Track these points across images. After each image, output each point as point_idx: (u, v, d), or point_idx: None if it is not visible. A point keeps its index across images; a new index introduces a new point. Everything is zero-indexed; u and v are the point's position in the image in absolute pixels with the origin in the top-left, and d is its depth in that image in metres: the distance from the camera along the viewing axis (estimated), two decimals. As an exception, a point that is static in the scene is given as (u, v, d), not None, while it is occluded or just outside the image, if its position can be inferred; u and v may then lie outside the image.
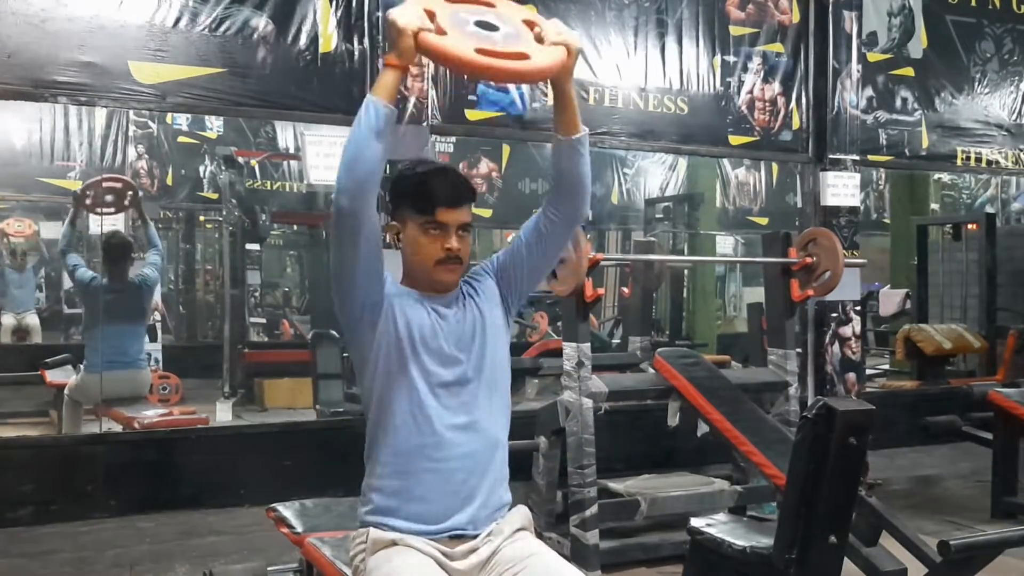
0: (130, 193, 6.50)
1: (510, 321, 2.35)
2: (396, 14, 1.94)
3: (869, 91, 6.47)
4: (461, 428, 2.16)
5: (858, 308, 6.42)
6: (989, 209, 12.21)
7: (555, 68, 2.03)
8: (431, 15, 1.94)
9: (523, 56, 1.98)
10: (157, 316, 8.40)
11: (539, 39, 2.05)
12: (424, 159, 2.67)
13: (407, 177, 2.24)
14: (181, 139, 10.29)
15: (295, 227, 13.05)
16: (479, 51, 1.94)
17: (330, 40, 4.95)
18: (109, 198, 6.39)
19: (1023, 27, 7.15)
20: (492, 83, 5.16)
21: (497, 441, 2.23)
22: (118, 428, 5.67)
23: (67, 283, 11.87)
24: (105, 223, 6.96)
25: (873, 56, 6.51)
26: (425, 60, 5.04)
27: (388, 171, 2.23)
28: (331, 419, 6.26)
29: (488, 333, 2.25)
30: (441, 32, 1.93)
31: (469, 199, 2.23)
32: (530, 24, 2.07)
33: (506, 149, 11.71)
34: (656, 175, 12.66)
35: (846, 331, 6.23)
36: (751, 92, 6.11)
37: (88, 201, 6.38)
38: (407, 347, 2.15)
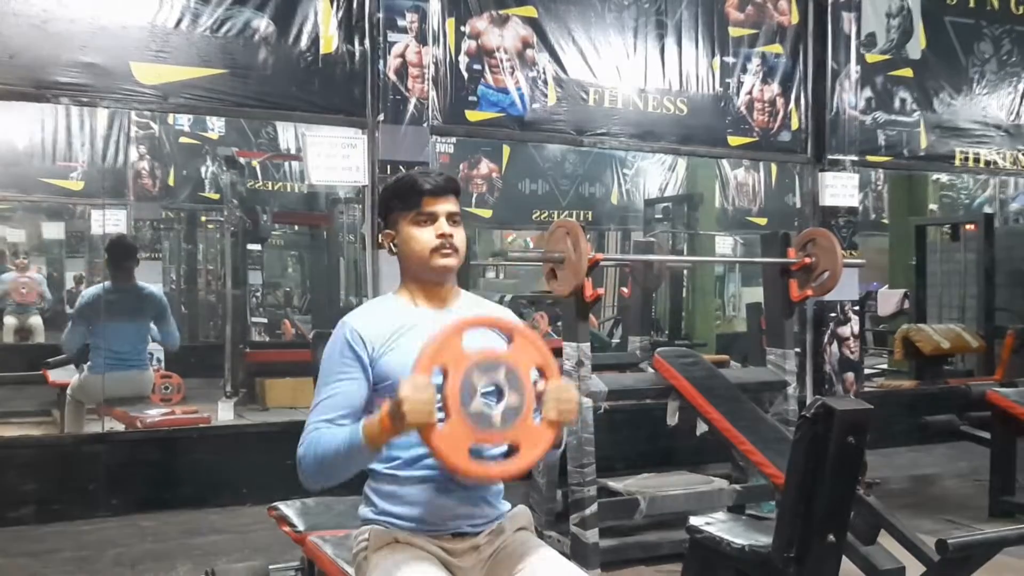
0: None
1: None
2: (407, 396, 1.85)
3: (868, 92, 6.48)
4: None
5: (856, 308, 6.43)
6: (987, 209, 12.20)
7: (539, 459, 2.01)
8: (444, 372, 1.89)
9: (515, 447, 1.95)
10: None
11: (539, 394, 1.99)
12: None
13: (391, 183, 2.32)
14: (183, 140, 10.27)
15: (296, 227, 13.05)
16: (475, 441, 1.90)
17: (331, 41, 4.97)
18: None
19: (1021, 28, 7.16)
20: (481, 76, 5.19)
21: None
22: (120, 427, 5.68)
23: (68, 283, 11.93)
24: (108, 225, 6.98)
25: (872, 57, 6.52)
26: (425, 61, 5.09)
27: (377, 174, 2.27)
28: (332, 419, 6.24)
29: (487, 334, 2.25)
30: (447, 408, 1.88)
31: (453, 190, 2.26)
32: (542, 371, 2.02)
33: (506, 150, 11.70)
34: (655, 176, 12.65)
35: (844, 331, 6.24)
36: (750, 93, 6.13)
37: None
38: (401, 362, 2.11)
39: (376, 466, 2.18)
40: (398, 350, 2.15)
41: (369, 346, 2.16)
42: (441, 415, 1.88)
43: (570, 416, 2.00)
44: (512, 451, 1.96)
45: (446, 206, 2.23)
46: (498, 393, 1.94)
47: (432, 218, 2.21)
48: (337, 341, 2.20)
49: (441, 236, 2.20)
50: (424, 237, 2.21)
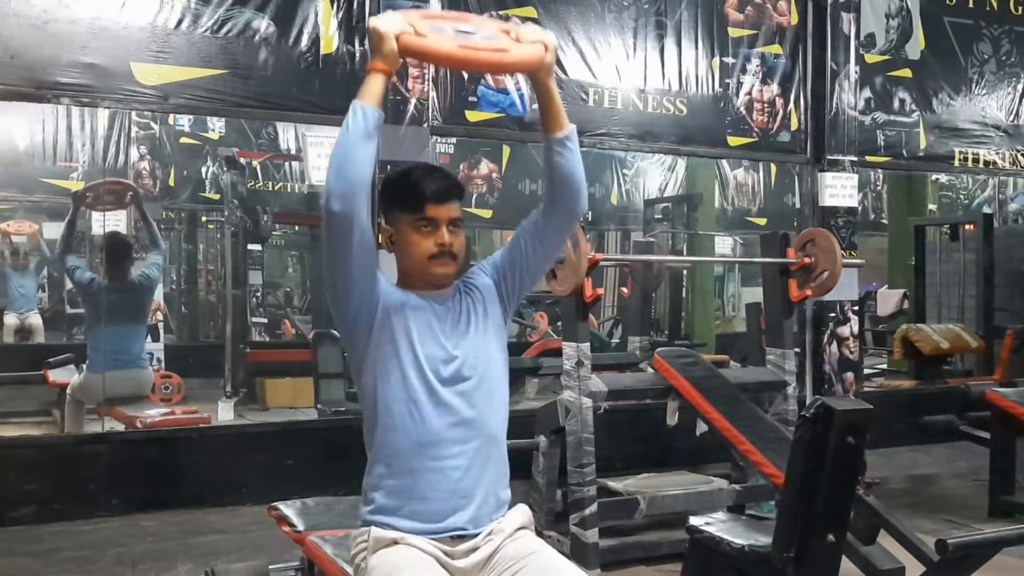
0: (130, 193, 6.49)
1: (508, 320, 2.36)
2: (377, 20, 2.02)
3: (867, 92, 6.49)
4: (459, 426, 2.17)
5: (856, 308, 6.43)
6: (986, 209, 12.19)
7: (535, 60, 2.09)
8: (410, 23, 2.02)
9: (503, 50, 2.06)
10: (159, 316, 8.41)
11: (516, 40, 2.11)
12: (414, 164, 2.70)
13: (395, 179, 2.29)
14: (183, 140, 10.26)
15: (297, 227, 13.05)
16: (461, 47, 2.02)
17: (331, 42, 4.97)
18: (109, 198, 6.38)
19: (1020, 28, 7.17)
20: (481, 77, 5.20)
21: (495, 438, 2.24)
22: (120, 427, 5.67)
23: (68, 284, 11.91)
24: (107, 223, 6.98)
25: (871, 57, 6.53)
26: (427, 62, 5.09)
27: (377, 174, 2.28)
28: (332, 418, 6.26)
29: (486, 331, 2.26)
30: (421, 35, 2.00)
31: (457, 195, 2.25)
32: (505, 31, 2.13)
33: (506, 150, 11.71)
34: (655, 176, 12.65)
35: (844, 331, 6.24)
36: (750, 93, 6.13)
37: (88, 201, 6.37)
38: (403, 346, 2.16)
39: (377, 453, 2.18)
40: (399, 317, 2.18)
41: (383, 288, 2.19)
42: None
43: (547, 35, 2.12)
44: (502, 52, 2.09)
45: (449, 212, 2.22)
46: (469, 34, 2.06)
47: (434, 225, 2.20)
48: None
49: (441, 245, 2.20)
50: (423, 244, 2.20)
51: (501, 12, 5.36)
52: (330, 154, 2.09)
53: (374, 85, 2.06)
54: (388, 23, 2.01)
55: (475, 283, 2.32)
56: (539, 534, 2.41)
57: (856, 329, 6.35)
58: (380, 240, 2.29)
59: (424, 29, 2.01)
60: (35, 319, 9.90)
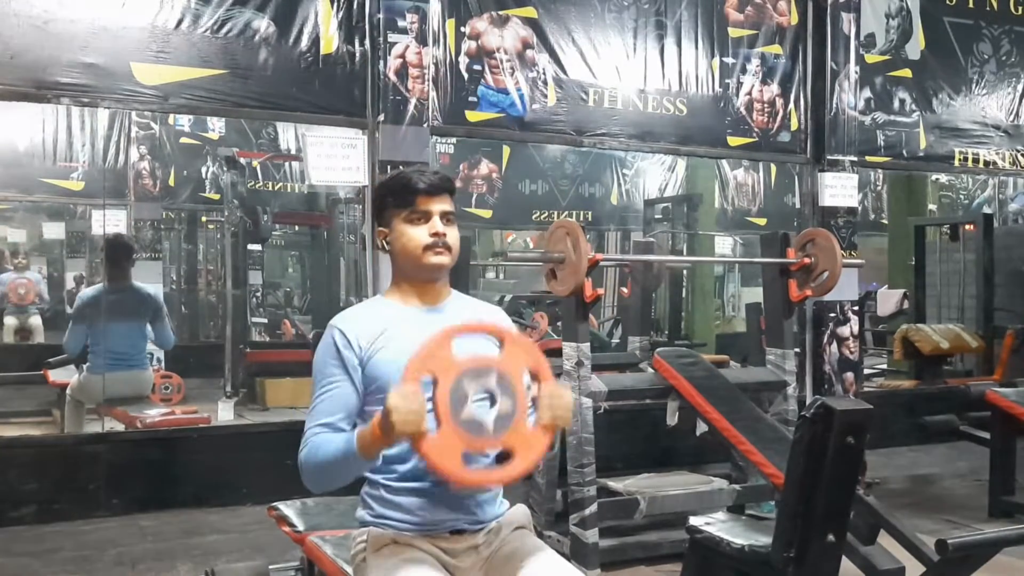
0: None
1: None
2: (396, 406, 1.84)
3: (867, 92, 6.49)
4: None
5: (856, 308, 6.43)
6: (986, 210, 12.18)
7: (534, 464, 2.01)
8: (434, 381, 1.88)
9: (509, 452, 1.94)
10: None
11: (534, 399, 1.99)
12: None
13: (387, 181, 2.33)
14: (183, 140, 10.25)
15: (297, 228, 13.05)
16: (468, 448, 1.89)
17: (331, 42, 4.97)
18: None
19: (1020, 28, 7.17)
20: (481, 77, 5.20)
21: None
22: (120, 427, 5.68)
23: (69, 283, 11.92)
24: (109, 226, 6.97)
25: (871, 57, 6.53)
26: (425, 62, 5.09)
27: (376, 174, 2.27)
28: (332, 419, 6.24)
29: (478, 342, 2.25)
30: (438, 416, 1.86)
31: (448, 189, 2.27)
32: (535, 375, 2.00)
33: (506, 150, 11.70)
34: (655, 176, 12.64)
35: (844, 331, 6.24)
36: (750, 93, 6.13)
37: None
38: (391, 371, 2.11)
39: (372, 476, 2.19)
40: (387, 349, 2.15)
41: (356, 346, 2.16)
42: (433, 423, 1.86)
43: (565, 420, 2.00)
44: (506, 457, 1.95)
45: (440, 205, 2.23)
46: (490, 399, 1.92)
47: (426, 216, 2.22)
48: (325, 344, 2.19)
49: (434, 235, 2.21)
50: (417, 235, 2.21)
51: (501, 12, 5.37)
52: (310, 466, 2.10)
53: (375, 449, 2.00)
54: (407, 419, 1.83)
55: (488, 317, 2.31)
56: (539, 534, 2.41)
57: (856, 329, 6.35)
58: (377, 242, 2.32)
59: (443, 399, 1.85)
60: (35, 319, 9.90)
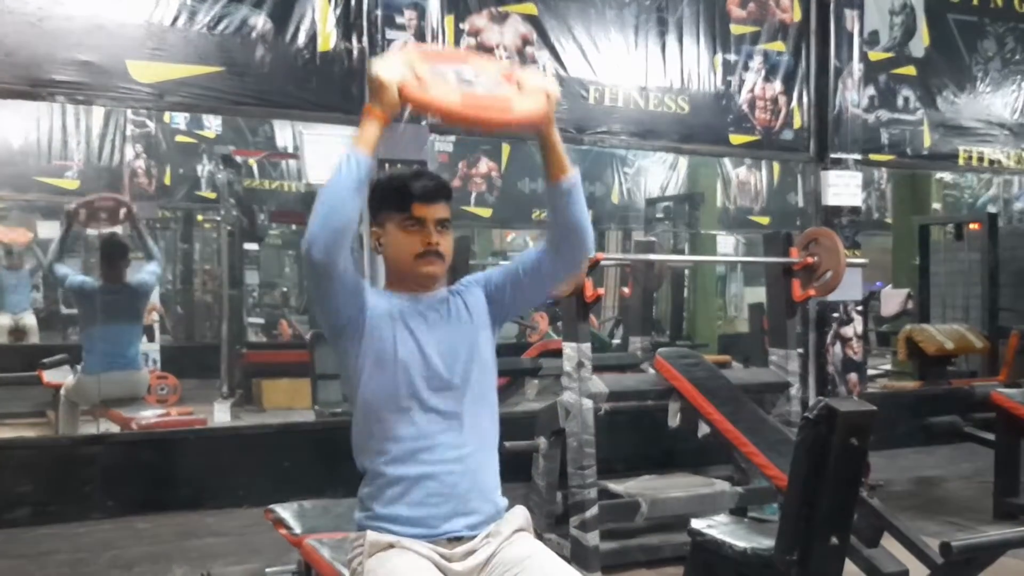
0: (124, 209, 6.43)
1: (495, 333, 2.35)
2: (378, 67, 1.95)
3: (871, 90, 6.45)
4: (451, 431, 2.17)
5: (860, 308, 6.40)
6: (991, 209, 12.20)
7: (538, 114, 2.05)
8: (411, 69, 1.95)
9: (506, 103, 1.99)
10: (155, 316, 8.39)
11: (518, 88, 2.05)
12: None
13: (383, 181, 2.30)
14: (179, 138, 10.26)
15: (294, 227, 13.02)
16: (463, 100, 1.94)
17: (329, 39, 4.94)
18: (103, 215, 6.30)
19: (1025, 26, 7.15)
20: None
21: (489, 443, 2.25)
22: (116, 429, 5.68)
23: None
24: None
25: (875, 55, 6.49)
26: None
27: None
28: (329, 419, 6.25)
29: (474, 338, 2.26)
30: (423, 83, 1.93)
31: (445, 196, 2.24)
32: (507, 76, 2.07)
33: (506, 148, 11.69)
34: (657, 174, 12.65)
35: (847, 331, 6.21)
36: (752, 91, 6.10)
37: (81, 217, 6.28)
38: (392, 356, 2.16)
39: (370, 463, 2.18)
40: (385, 328, 2.17)
41: (370, 297, 2.17)
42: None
43: (548, 84, 2.10)
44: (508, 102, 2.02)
45: (436, 212, 2.21)
46: (470, 81, 1.99)
47: (420, 224, 2.20)
48: None
49: (427, 244, 2.19)
50: (410, 243, 2.20)
51: (500, 9, 5.33)
52: (318, 197, 2.05)
53: (370, 131, 2.02)
54: (390, 70, 1.95)
55: (467, 293, 2.32)
56: (539, 537, 2.41)
57: (860, 329, 6.32)
58: (370, 242, 2.31)
59: (426, 74, 1.94)
60: (30, 319, 9.89)
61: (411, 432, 2.14)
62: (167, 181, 10.31)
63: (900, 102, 6.61)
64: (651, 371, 4.84)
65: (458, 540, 2.15)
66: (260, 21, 4.79)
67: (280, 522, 2.90)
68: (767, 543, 2.72)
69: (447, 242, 2.23)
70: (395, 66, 1.93)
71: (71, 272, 6.13)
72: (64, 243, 6.09)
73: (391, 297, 2.24)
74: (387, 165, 4.83)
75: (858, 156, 6.31)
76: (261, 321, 10.90)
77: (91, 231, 7.13)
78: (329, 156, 4.91)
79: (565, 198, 2.18)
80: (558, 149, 2.17)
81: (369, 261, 4.95)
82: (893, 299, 10.07)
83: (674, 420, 4.49)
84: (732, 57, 6.02)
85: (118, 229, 7.00)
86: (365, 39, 5.00)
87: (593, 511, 4.11)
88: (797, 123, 6.24)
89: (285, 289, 14.23)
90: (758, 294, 9.88)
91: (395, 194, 2.22)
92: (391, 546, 2.11)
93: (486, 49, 5.29)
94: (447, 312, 2.25)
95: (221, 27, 4.71)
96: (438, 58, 2.04)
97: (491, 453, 2.24)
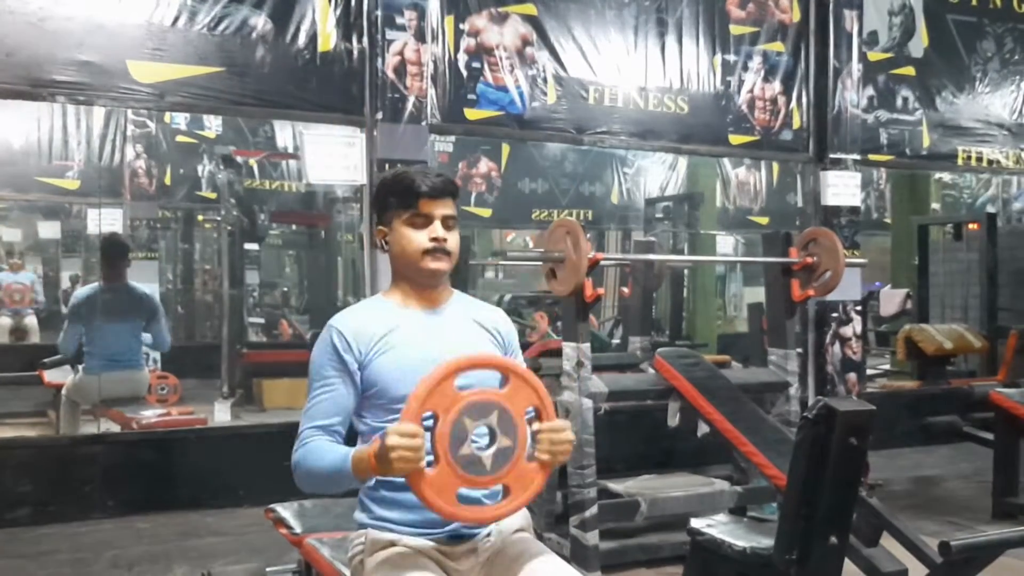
0: None
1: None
2: (395, 444, 1.84)
3: (870, 90, 6.47)
4: None
5: (859, 308, 6.41)
6: (990, 209, 12.21)
7: (530, 501, 2.03)
8: (435, 417, 1.87)
9: (507, 489, 1.95)
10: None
11: (534, 434, 1.98)
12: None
13: (389, 180, 2.29)
14: (179, 138, 10.26)
15: (294, 227, 13.04)
16: (464, 486, 1.90)
17: (329, 39, 4.95)
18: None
19: (1024, 26, 7.16)
20: (480, 75, 5.17)
21: None
22: (116, 428, 5.67)
23: (64, 283, 11.93)
24: (104, 225, 6.95)
25: (874, 55, 6.50)
26: (424, 59, 5.06)
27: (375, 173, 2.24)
28: (330, 419, 6.22)
29: (476, 341, 2.24)
30: (436, 453, 1.86)
31: (451, 193, 2.24)
32: (538, 412, 1.98)
33: (505, 148, 11.69)
34: (656, 174, 12.64)
35: (847, 331, 6.22)
36: (751, 91, 6.11)
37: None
38: (394, 364, 2.14)
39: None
40: (388, 354, 2.14)
41: (356, 350, 2.15)
42: (430, 458, 1.87)
43: (563, 457, 2.01)
44: (502, 493, 1.97)
45: (442, 209, 2.21)
46: (491, 435, 1.93)
47: (427, 220, 2.20)
48: (324, 344, 2.18)
49: (434, 239, 2.18)
50: (417, 239, 2.19)
51: (500, 9, 5.34)
52: (301, 471, 2.10)
53: (370, 475, 2.00)
54: (405, 456, 1.83)
55: (489, 318, 2.31)
56: (539, 536, 2.41)
57: (859, 329, 6.33)
58: (375, 241, 2.31)
59: (443, 438, 1.85)
60: (31, 319, 9.89)
61: None
62: (167, 181, 10.31)
63: (899, 102, 6.61)
64: (651, 371, 4.83)
65: (459, 538, 2.14)
66: (260, 21, 4.80)
67: (280, 521, 2.89)
68: (766, 542, 2.70)
69: (454, 239, 2.22)
70: (412, 448, 1.84)
71: (70, 327, 6.00)
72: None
73: (390, 310, 2.22)
74: (387, 165, 4.86)
75: (857, 156, 6.33)
76: (261, 321, 10.89)
77: (93, 226, 7.10)
78: (329, 156, 4.92)
79: None
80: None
81: (370, 261, 4.97)
82: (892, 299, 10.08)
83: (673, 420, 4.49)
84: (731, 57, 6.03)
85: (119, 223, 6.94)
86: (365, 39, 5.01)
87: (593, 510, 4.10)
88: (796, 123, 6.25)
89: (285, 289, 14.23)
90: (757, 294, 9.88)
91: (402, 191, 2.21)
92: (392, 544, 2.10)
93: (486, 49, 5.30)
94: (452, 314, 2.25)
95: (221, 27, 4.72)
96: (465, 405, 1.89)
97: None
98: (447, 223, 2.21)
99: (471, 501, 1.97)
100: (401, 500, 2.12)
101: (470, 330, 2.26)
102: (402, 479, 2.07)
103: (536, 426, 1.98)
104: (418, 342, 2.17)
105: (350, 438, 2.23)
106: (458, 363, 1.92)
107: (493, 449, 1.91)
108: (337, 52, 4.97)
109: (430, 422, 1.87)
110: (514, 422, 1.94)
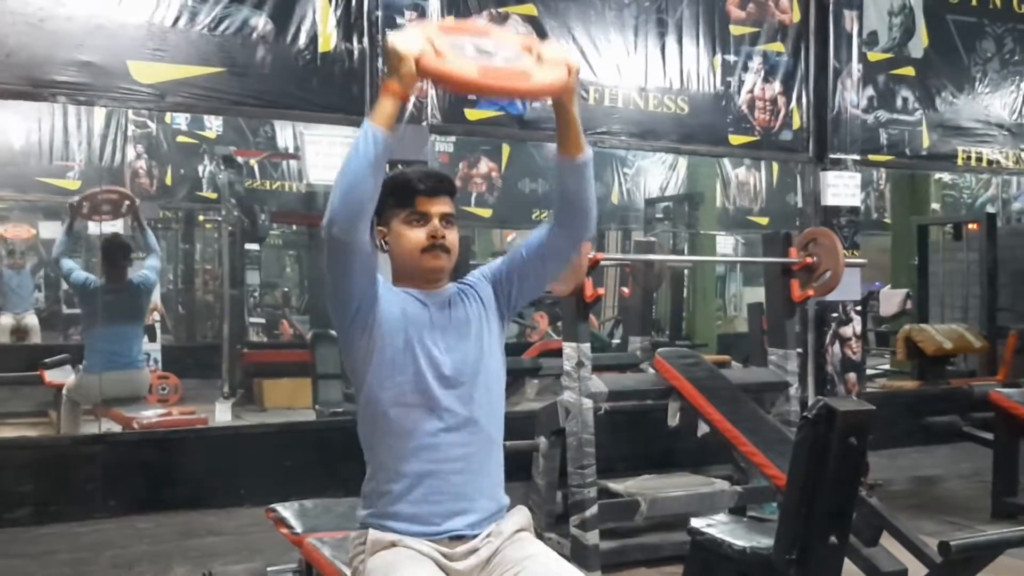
0: (127, 203, 6.48)
1: (505, 327, 2.35)
2: (396, 39, 1.93)
3: (870, 91, 6.47)
4: (458, 429, 2.16)
5: (859, 308, 6.42)
6: (990, 209, 12.21)
7: (557, 84, 2.03)
8: (429, 41, 1.93)
9: (525, 74, 1.98)
10: (156, 316, 8.40)
11: (538, 60, 2.03)
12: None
13: (387, 181, 2.29)
14: (180, 139, 10.28)
15: (294, 227, 13.04)
16: (481, 71, 1.93)
17: (329, 39, 4.95)
18: (106, 208, 6.36)
19: (1024, 27, 7.16)
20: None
21: (494, 440, 2.24)
22: (117, 428, 5.67)
23: (65, 284, 11.91)
24: (105, 225, 6.94)
25: (874, 56, 6.51)
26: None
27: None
28: (330, 419, 6.25)
29: (483, 335, 2.25)
30: (441, 55, 1.91)
31: (449, 191, 2.25)
32: (527, 48, 2.05)
33: (506, 149, 11.70)
34: (656, 175, 12.65)
35: (846, 331, 6.23)
36: (751, 91, 6.11)
37: (85, 210, 6.36)
38: (400, 351, 2.16)
39: (374, 457, 2.18)
40: (391, 322, 2.16)
41: (382, 294, 2.17)
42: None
43: (570, 56, 2.05)
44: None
45: (440, 207, 2.22)
46: (490, 53, 1.98)
47: (425, 218, 2.20)
48: None
49: (433, 237, 2.19)
50: (415, 237, 2.20)
51: (501, 9, 5.34)
52: (337, 175, 2.04)
53: (388, 107, 2.01)
54: (407, 42, 1.92)
55: (474, 287, 2.31)
56: (539, 536, 2.41)
57: (859, 329, 6.34)
58: (375, 242, 2.28)
59: (444, 47, 1.92)
60: (31, 319, 9.89)
61: (417, 430, 2.13)
62: (168, 181, 10.32)
63: (899, 103, 6.62)
64: (651, 371, 4.84)
65: (459, 539, 2.15)
66: (261, 22, 4.81)
67: (281, 521, 2.89)
68: (766, 542, 2.71)
69: (453, 236, 2.23)
70: (413, 38, 1.92)
71: (76, 267, 6.18)
72: (69, 236, 6.13)
73: (400, 293, 2.23)
74: (387, 166, 4.85)
75: (857, 156, 6.33)
76: (262, 321, 10.89)
77: (94, 226, 7.13)
78: (330, 156, 4.93)
79: (577, 174, 2.19)
80: (576, 124, 2.13)
81: (371, 261, 4.97)
82: (892, 299, 10.09)
83: (674, 419, 4.50)
84: (731, 58, 6.03)
85: (120, 223, 7.02)
86: (366, 40, 5.01)
87: (593, 510, 4.11)
88: (796, 123, 6.26)
89: (286, 289, 14.24)
90: (757, 294, 9.88)
91: (399, 191, 2.22)
92: (393, 544, 2.11)
93: (485, 52, 5.29)
94: (456, 309, 2.25)
95: (222, 28, 4.72)
96: (457, 31, 2.03)
97: (496, 451, 2.24)
98: (445, 221, 2.22)
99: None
100: (403, 501, 2.13)
101: (471, 324, 2.25)
102: (408, 467, 2.08)
103: (534, 52, 2.03)
104: (425, 330, 2.19)
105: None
106: (445, 24, 2.09)
107: (498, 56, 1.97)
108: (338, 52, 4.97)
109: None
110: (510, 45, 2.01)
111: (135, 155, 9.92)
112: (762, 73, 6.14)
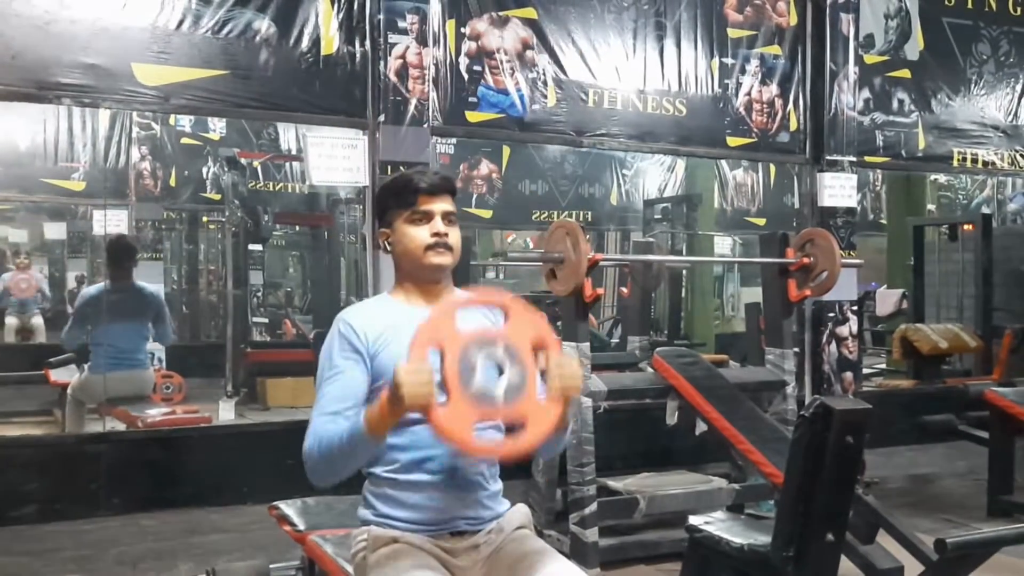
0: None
1: None
2: (404, 380, 1.83)
3: (866, 93, 6.49)
4: None
5: (855, 308, 6.44)
6: (985, 210, 12.19)
7: (547, 435, 1.97)
8: (441, 353, 1.87)
9: (522, 420, 1.92)
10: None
11: (542, 371, 1.97)
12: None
13: (388, 183, 2.34)
14: (184, 140, 10.27)
15: (297, 228, 13.05)
16: (479, 418, 1.89)
17: (332, 42, 4.98)
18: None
19: (1019, 29, 7.18)
20: (481, 78, 5.21)
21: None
22: (122, 427, 5.68)
23: (70, 283, 11.93)
24: (110, 226, 6.98)
25: (870, 58, 6.54)
26: (426, 63, 5.10)
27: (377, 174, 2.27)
28: (332, 418, 6.25)
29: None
30: (447, 388, 1.85)
31: (449, 190, 2.28)
32: (540, 345, 1.98)
33: (506, 150, 11.70)
34: (655, 176, 12.65)
35: (843, 331, 6.25)
36: (749, 94, 6.14)
37: None
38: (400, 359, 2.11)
39: (375, 470, 2.18)
40: (391, 347, 2.14)
41: (364, 339, 2.17)
42: (442, 398, 1.86)
43: (574, 390, 1.99)
44: (517, 429, 1.94)
45: (442, 205, 2.24)
46: (499, 370, 1.92)
47: (427, 217, 2.23)
48: (334, 336, 2.20)
49: (436, 235, 2.22)
50: (419, 235, 2.22)
51: (501, 13, 5.38)
52: (320, 452, 2.06)
53: (389, 424, 1.98)
54: (416, 390, 1.83)
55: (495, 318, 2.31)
56: (539, 533, 2.42)
57: (855, 329, 6.36)
58: (378, 242, 2.33)
59: (452, 368, 1.84)
60: (37, 319, 9.90)
61: (416, 442, 2.13)
62: (172, 183, 10.32)
63: (895, 105, 6.65)
64: (649, 370, 4.86)
65: (461, 535, 2.16)
66: (264, 25, 4.83)
67: (284, 519, 2.90)
68: (764, 539, 2.72)
69: (455, 234, 2.25)
70: (423, 382, 1.84)
71: (80, 305, 6.11)
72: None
73: (395, 307, 2.24)
74: (389, 167, 4.90)
75: (853, 158, 6.35)
76: (265, 321, 10.88)
77: (99, 228, 7.10)
78: (332, 158, 4.95)
79: (550, 449, 2.30)
80: (564, 417, 2.06)
81: (372, 262, 5.00)
82: (888, 299, 10.08)
83: (672, 418, 4.51)
84: (729, 61, 6.06)
85: (124, 224, 6.88)
86: (368, 43, 5.04)
87: (592, 508, 4.14)
88: (793, 125, 6.29)
89: (289, 289, 14.25)
90: (755, 294, 9.90)
91: (401, 190, 2.25)
92: (394, 541, 2.11)
93: (487, 53, 5.34)
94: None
95: (225, 31, 4.75)
96: (470, 339, 1.90)
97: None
98: (447, 219, 2.24)
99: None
100: (404, 498, 2.15)
101: (472, 321, 2.27)
102: (407, 477, 2.11)
103: (542, 362, 1.97)
104: None
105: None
106: (458, 300, 1.96)
107: (503, 382, 1.90)
108: (340, 55, 5.00)
109: (436, 361, 1.86)
110: (520, 355, 1.93)
111: (139, 157, 9.92)
112: (759, 75, 6.17)
